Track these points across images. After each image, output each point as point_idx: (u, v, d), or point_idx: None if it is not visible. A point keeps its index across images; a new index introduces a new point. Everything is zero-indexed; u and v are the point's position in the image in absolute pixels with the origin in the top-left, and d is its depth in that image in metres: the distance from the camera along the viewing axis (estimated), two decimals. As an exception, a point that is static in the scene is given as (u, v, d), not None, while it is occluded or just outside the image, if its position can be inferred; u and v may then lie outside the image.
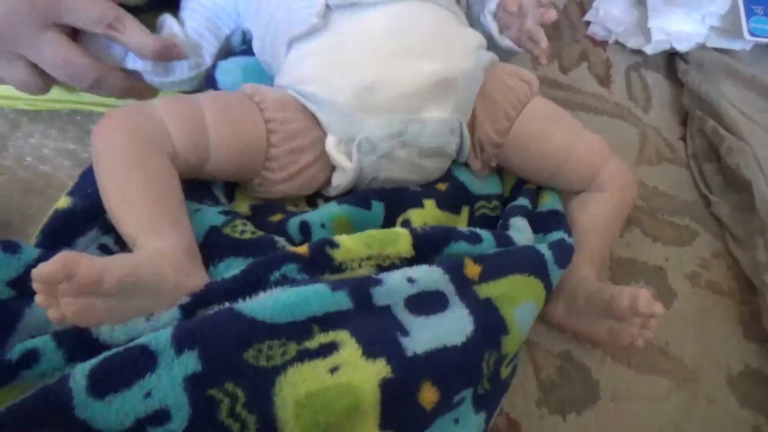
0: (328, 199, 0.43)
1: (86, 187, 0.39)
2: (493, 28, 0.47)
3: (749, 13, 0.53)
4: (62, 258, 0.27)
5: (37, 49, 0.39)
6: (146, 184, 0.33)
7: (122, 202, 0.33)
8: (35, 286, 0.27)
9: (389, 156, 0.41)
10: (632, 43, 0.61)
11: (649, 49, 0.60)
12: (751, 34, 0.52)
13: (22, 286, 0.31)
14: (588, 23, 0.64)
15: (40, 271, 0.27)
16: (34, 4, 0.37)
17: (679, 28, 0.57)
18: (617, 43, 0.62)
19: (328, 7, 0.40)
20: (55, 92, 0.48)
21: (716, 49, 0.57)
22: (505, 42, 0.47)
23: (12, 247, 0.32)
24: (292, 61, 0.42)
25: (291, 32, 0.41)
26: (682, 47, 0.58)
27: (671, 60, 0.61)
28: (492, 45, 0.47)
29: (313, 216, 0.39)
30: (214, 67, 0.48)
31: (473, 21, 0.49)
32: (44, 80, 0.41)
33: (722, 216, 0.50)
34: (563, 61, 0.62)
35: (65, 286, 0.27)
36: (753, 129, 0.49)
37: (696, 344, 0.45)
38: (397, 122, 0.40)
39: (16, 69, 0.40)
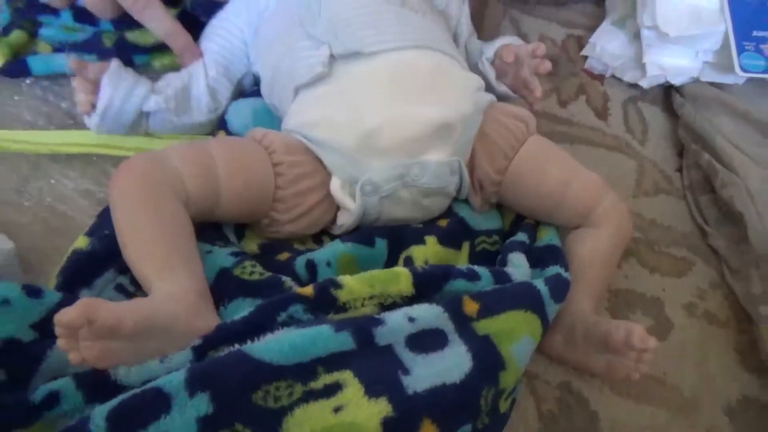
0: (333, 237, 0.45)
1: (103, 228, 0.41)
2: (490, 74, 0.50)
3: (740, 49, 0.55)
4: (83, 305, 0.29)
5: None
6: (160, 229, 0.35)
7: (137, 247, 0.35)
8: (57, 331, 0.29)
9: (392, 197, 0.42)
10: (628, 77, 0.63)
11: (644, 83, 0.61)
12: (743, 69, 0.54)
13: (44, 328, 0.33)
14: (586, 57, 0.65)
15: (62, 317, 0.29)
16: None
17: (674, 62, 0.59)
18: (614, 76, 0.64)
19: (332, 56, 0.42)
20: (73, 137, 0.51)
21: (711, 83, 0.58)
22: (502, 88, 0.50)
23: (35, 292, 0.34)
24: (298, 106, 0.44)
25: (297, 80, 0.43)
26: (677, 81, 0.60)
27: (668, 93, 0.63)
28: (488, 89, 0.49)
29: (319, 255, 0.41)
30: (225, 108, 0.51)
31: (471, 66, 0.51)
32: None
33: (718, 247, 0.51)
34: (562, 95, 0.63)
35: (85, 331, 0.29)
36: (746, 163, 0.50)
37: (694, 374, 0.46)
38: (399, 165, 0.42)
39: None
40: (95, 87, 0.45)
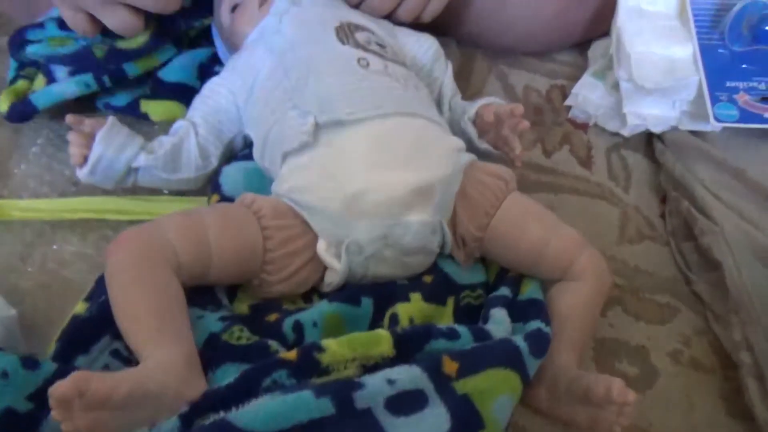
0: (322, 295, 0.47)
1: (100, 294, 0.43)
2: (472, 133, 0.52)
3: (714, 100, 0.56)
4: (74, 378, 0.31)
5: None
6: (152, 300, 0.37)
7: (129, 318, 0.37)
8: (51, 403, 0.31)
9: (376, 256, 0.44)
10: (610, 126, 0.65)
11: (626, 132, 0.63)
12: (717, 119, 0.56)
13: (39, 398, 0.35)
14: (570, 107, 0.68)
15: (55, 391, 0.31)
16: None
17: (653, 112, 0.61)
18: (597, 125, 0.66)
19: (317, 125, 0.45)
20: (74, 203, 0.54)
21: (690, 131, 0.60)
22: (484, 145, 0.52)
23: (32, 364, 0.35)
24: (286, 172, 0.46)
25: (285, 147, 0.46)
26: (657, 129, 0.62)
27: (650, 139, 0.65)
28: (472, 147, 0.52)
29: (306, 316, 0.43)
30: (218, 171, 0.53)
31: (454, 125, 0.54)
32: (139, 18, 0.52)
33: (701, 293, 0.52)
34: (546, 144, 0.65)
35: (78, 402, 0.31)
36: (724, 211, 0.51)
37: (680, 424, 0.46)
38: (381, 226, 0.44)
39: (117, 12, 0.50)
40: (90, 140, 0.48)
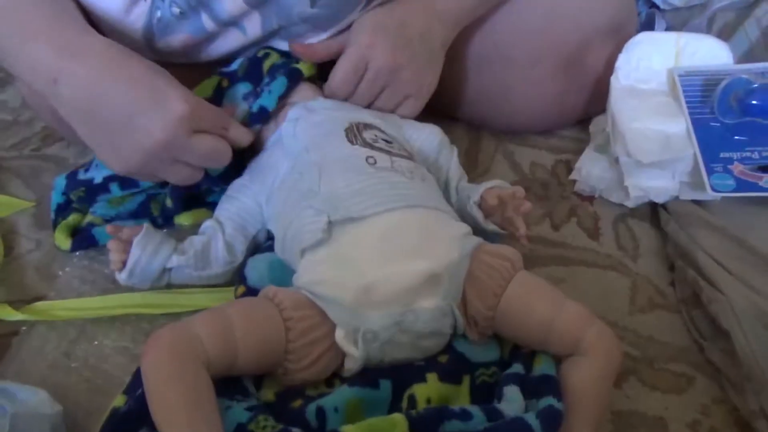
0: (343, 379, 0.50)
1: (136, 387, 0.47)
2: (478, 215, 0.56)
3: (709, 171, 0.59)
4: None
5: (191, 151, 0.53)
6: (183, 395, 0.40)
7: (163, 413, 0.40)
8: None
9: (391, 342, 0.47)
10: (615, 198, 0.67)
11: (630, 204, 0.66)
12: (714, 189, 0.58)
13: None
14: (575, 181, 0.71)
15: None
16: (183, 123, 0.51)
17: (653, 184, 0.64)
18: (602, 197, 0.69)
19: (330, 222, 0.49)
20: (114, 300, 0.58)
21: (692, 200, 0.62)
22: (490, 226, 0.55)
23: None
24: (305, 266, 0.50)
25: (302, 244, 0.50)
26: (659, 200, 0.64)
27: (655, 209, 0.67)
28: (479, 229, 0.55)
29: (328, 401, 0.45)
30: (244, 263, 0.58)
31: (462, 209, 0.57)
32: (197, 171, 0.56)
33: (716, 361, 0.53)
34: (554, 218, 0.68)
35: None
36: (728, 279, 0.53)
37: (704, 495, 0.47)
38: (394, 314, 0.47)
39: (177, 169, 0.54)
40: (127, 247, 0.53)
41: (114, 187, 0.64)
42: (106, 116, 0.51)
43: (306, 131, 0.58)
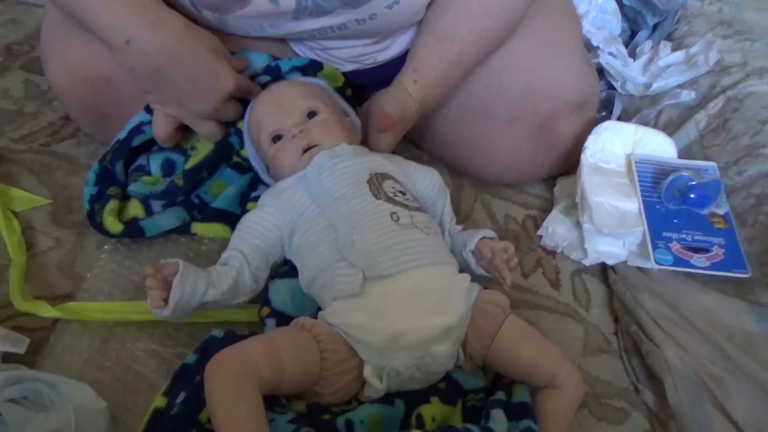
0: (360, 401, 0.58)
1: (178, 390, 0.53)
2: (471, 262, 0.66)
3: (654, 246, 0.73)
4: None
5: (224, 114, 0.69)
6: (246, 411, 0.47)
7: (229, 425, 0.47)
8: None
9: (409, 377, 0.57)
10: (574, 256, 0.80)
11: (586, 263, 0.79)
12: (656, 262, 0.72)
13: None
14: (541, 236, 0.83)
15: None
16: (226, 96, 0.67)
17: (608, 249, 0.77)
18: (563, 253, 0.82)
19: (365, 278, 0.57)
20: (141, 306, 0.62)
21: (637, 267, 0.76)
22: (480, 271, 0.66)
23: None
24: (336, 309, 0.58)
25: (336, 293, 0.58)
26: (611, 262, 0.78)
27: (605, 268, 0.81)
28: (470, 270, 0.65)
29: (355, 415, 0.54)
30: (265, 286, 0.65)
31: (454, 251, 0.67)
32: (223, 128, 0.71)
33: (648, 401, 0.66)
34: (524, 267, 0.80)
35: None
36: (663, 336, 0.67)
37: None
38: (415, 357, 0.56)
39: (208, 125, 0.69)
40: (165, 284, 0.58)
41: (155, 167, 0.72)
42: (171, 77, 0.64)
43: (332, 181, 0.63)
